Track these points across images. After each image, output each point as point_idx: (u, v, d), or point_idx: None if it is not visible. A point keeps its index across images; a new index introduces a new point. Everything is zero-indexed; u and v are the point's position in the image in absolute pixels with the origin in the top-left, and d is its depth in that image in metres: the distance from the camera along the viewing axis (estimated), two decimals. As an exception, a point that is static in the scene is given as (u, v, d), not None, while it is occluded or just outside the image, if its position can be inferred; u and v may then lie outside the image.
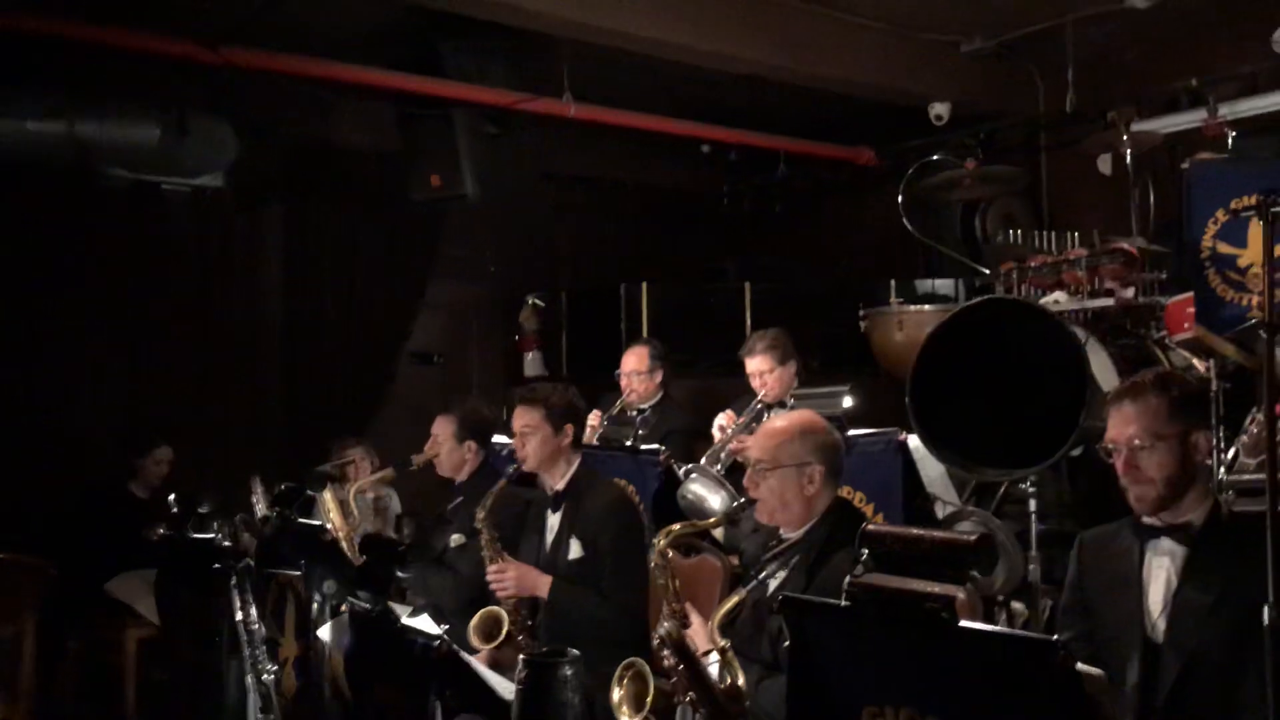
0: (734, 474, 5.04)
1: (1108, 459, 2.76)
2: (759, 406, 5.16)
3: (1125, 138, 5.79)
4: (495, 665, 3.50)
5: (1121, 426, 2.72)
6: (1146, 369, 2.82)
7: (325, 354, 7.62)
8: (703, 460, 5.15)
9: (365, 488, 5.19)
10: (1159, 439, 2.67)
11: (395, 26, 6.42)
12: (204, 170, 6.84)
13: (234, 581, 3.49)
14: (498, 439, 4.92)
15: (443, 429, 4.60)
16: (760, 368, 5.17)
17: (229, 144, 6.59)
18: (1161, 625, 2.64)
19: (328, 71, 6.40)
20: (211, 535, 3.74)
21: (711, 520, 3.53)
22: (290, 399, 7.54)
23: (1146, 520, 2.74)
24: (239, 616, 3.45)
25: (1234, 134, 5.51)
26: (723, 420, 5.23)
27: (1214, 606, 2.57)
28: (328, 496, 4.80)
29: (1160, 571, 2.69)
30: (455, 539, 4.38)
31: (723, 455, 5.09)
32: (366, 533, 4.55)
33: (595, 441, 5.50)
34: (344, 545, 4.30)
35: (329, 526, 4.48)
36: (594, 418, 5.52)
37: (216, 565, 3.51)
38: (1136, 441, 2.68)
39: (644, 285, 7.45)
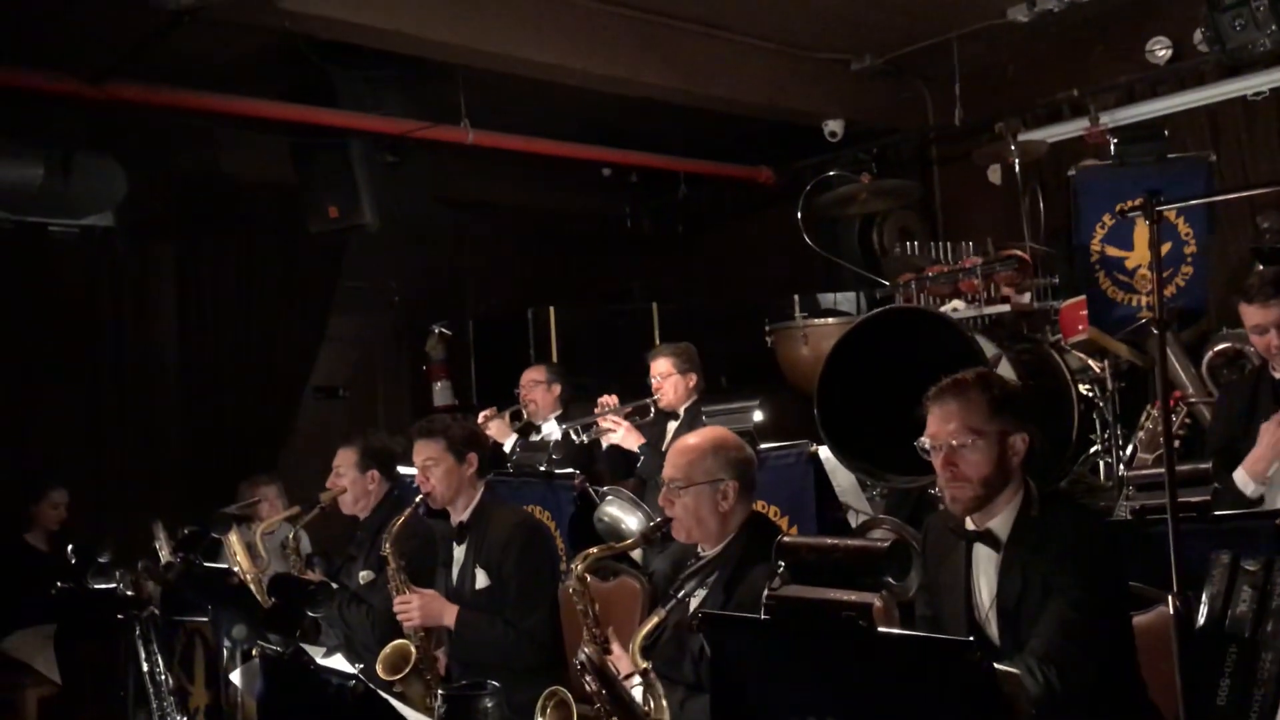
0: (592, 450, 5.48)
1: (925, 457, 2.77)
2: (648, 402, 5.33)
3: (1012, 148, 5.96)
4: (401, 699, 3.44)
5: (942, 422, 2.72)
6: (971, 369, 2.84)
7: (226, 392, 7.43)
8: (551, 421, 5.64)
9: (273, 528, 5.06)
10: (978, 436, 2.67)
11: (287, 57, 6.31)
12: (91, 210, 6.62)
13: (138, 631, 3.37)
14: (404, 470, 4.86)
15: (344, 459, 4.52)
16: (661, 370, 5.30)
17: (117, 182, 6.38)
18: (994, 629, 2.68)
19: (217, 104, 6.26)
20: (113, 585, 3.60)
21: (629, 541, 3.51)
22: (191, 440, 7.33)
23: (966, 524, 2.77)
24: (145, 667, 3.33)
25: (1115, 141, 5.70)
26: (606, 399, 5.44)
27: (1025, 607, 2.61)
28: (233, 538, 4.66)
29: (984, 577, 2.73)
30: (364, 575, 4.30)
31: (593, 427, 5.40)
32: (276, 573, 4.43)
33: (507, 450, 5.54)
34: (252, 588, 4.19)
35: (236, 569, 4.36)
36: (489, 411, 5.72)
37: (119, 616, 3.39)
38: (954, 441, 2.69)
39: (551, 309, 7.42)
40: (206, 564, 3.90)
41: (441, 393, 7.95)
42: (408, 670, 3.75)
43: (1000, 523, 2.72)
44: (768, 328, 6.38)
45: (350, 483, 4.49)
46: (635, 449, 5.32)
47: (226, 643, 3.31)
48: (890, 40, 7.36)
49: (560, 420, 5.76)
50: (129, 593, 3.53)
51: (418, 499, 3.99)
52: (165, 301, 7.38)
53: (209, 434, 7.35)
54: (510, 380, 6.12)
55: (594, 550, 3.19)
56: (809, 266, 7.68)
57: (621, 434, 5.33)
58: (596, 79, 6.72)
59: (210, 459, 7.24)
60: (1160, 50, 6.68)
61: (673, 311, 7.73)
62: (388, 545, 3.90)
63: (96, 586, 3.78)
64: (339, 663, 2.95)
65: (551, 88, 6.74)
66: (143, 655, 3.33)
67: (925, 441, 2.77)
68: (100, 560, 3.96)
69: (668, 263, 9.36)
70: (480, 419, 5.66)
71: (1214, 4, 5.20)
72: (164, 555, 4.16)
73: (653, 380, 5.33)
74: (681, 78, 6.99)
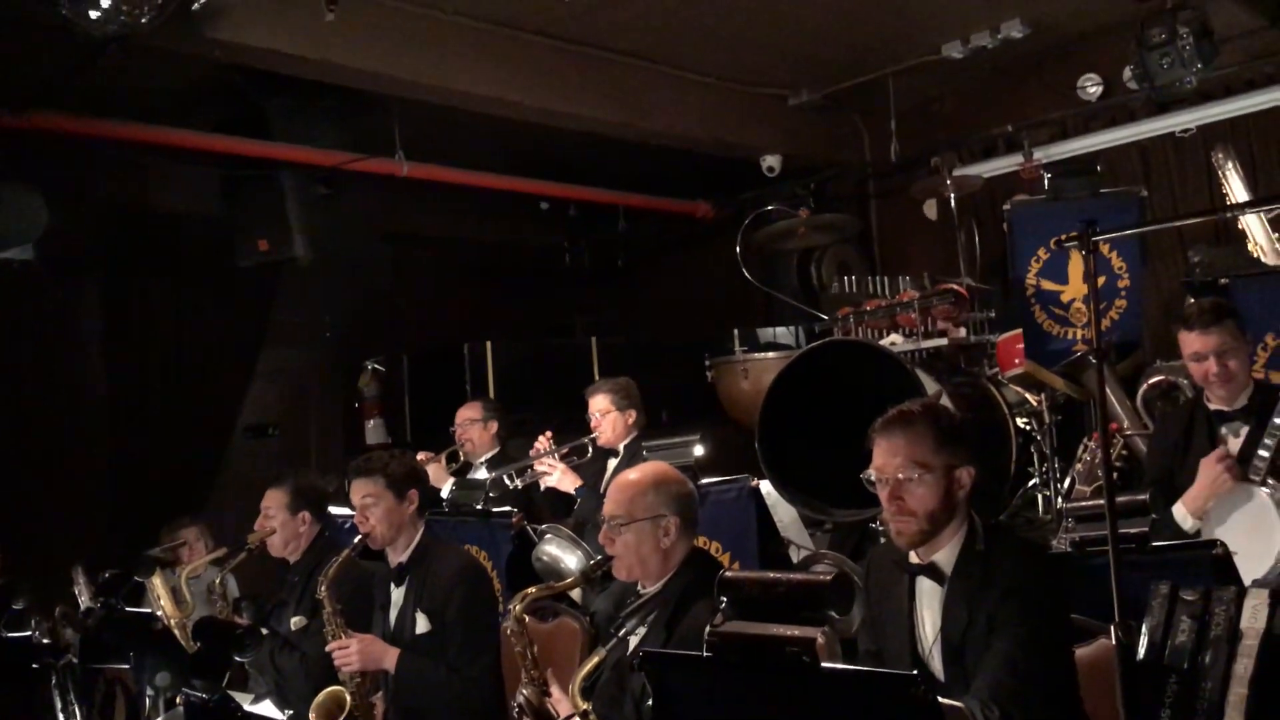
0: (530, 489, 5.38)
1: (871, 489, 2.78)
2: (585, 441, 5.30)
3: (948, 182, 6.07)
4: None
5: (888, 455, 2.73)
6: (917, 400, 2.87)
7: (152, 431, 7.27)
8: (481, 469, 5.56)
9: (198, 570, 4.95)
10: (925, 469, 2.68)
11: (217, 87, 6.25)
12: (12, 243, 6.46)
13: (55, 681, 3.26)
14: (335, 510, 4.78)
15: (274, 500, 4.42)
16: (599, 407, 5.27)
17: (39, 214, 6.24)
18: (937, 663, 2.69)
19: (144, 135, 6.18)
20: (28, 632, 3.49)
21: (568, 581, 3.47)
22: (116, 481, 7.16)
23: (911, 557, 2.77)
24: (61, 718, 3.22)
25: (1049, 176, 5.83)
26: (541, 441, 5.39)
27: (970, 642, 2.62)
28: (157, 582, 4.56)
29: (928, 611, 2.74)
30: (296, 621, 4.20)
31: (528, 472, 5.36)
32: (202, 618, 4.32)
33: (443, 495, 5.48)
34: (177, 633, 4.09)
35: (159, 614, 4.24)
36: (424, 455, 5.55)
37: (34, 664, 3.28)
38: (901, 474, 2.69)
39: (488, 344, 7.38)
40: (129, 609, 3.80)
41: (374, 430, 7.85)
42: (342, 718, 3.67)
43: (945, 556, 2.73)
44: (708, 362, 6.40)
45: (280, 524, 4.40)
46: (572, 491, 5.29)
47: (149, 691, 3.22)
48: (827, 75, 7.48)
49: (495, 462, 5.71)
50: (45, 640, 3.42)
51: (357, 539, 3.91)
52: (90, 338, 7.22)
53: (134, 474, 7.18)
54: (446, 418, 6.06)
55: (533, 590, 3.16)
56: (748, 301, 7.74)
57: (557, 476, 5.30)
58: (534, 111, 6.73)
59: (135, 500, 7.06)
60: (1092, 87, 6.86)
61: (612, 346, 7.72)
62: (324, 588, 3.82)
63: (10, 635, 3.66)
64: (268, 709, 2.88)
65: (488, 120, 6.74)
66: (59, 705, 3.22)
67: (871, 474, 2.77)
68: (15, 607, 3.84)
69: (607, 297, 9.37)
70: None
71: (1142, 42, 5.35)
72: (84, 600, 4.05)
73: (591, 417, 5.31)
74: (620, 111, 7.04)
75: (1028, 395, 5.43)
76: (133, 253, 7.22)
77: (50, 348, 7.03)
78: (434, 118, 6.62)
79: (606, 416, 5.25)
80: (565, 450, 5.39)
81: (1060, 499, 4.97)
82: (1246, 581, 2.90)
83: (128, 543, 6.04)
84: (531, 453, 5.43)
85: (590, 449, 5.35)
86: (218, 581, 4.58)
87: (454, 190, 7.53)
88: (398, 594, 3.91)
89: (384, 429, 7.85)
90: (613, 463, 5.26)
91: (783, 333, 7.33)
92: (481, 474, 5.68)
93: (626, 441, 5.25)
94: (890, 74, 7.22)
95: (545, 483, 5.37)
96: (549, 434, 5.45)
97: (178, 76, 6.10)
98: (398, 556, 3.93)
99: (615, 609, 3.25)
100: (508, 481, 5.41)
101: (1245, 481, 3.51)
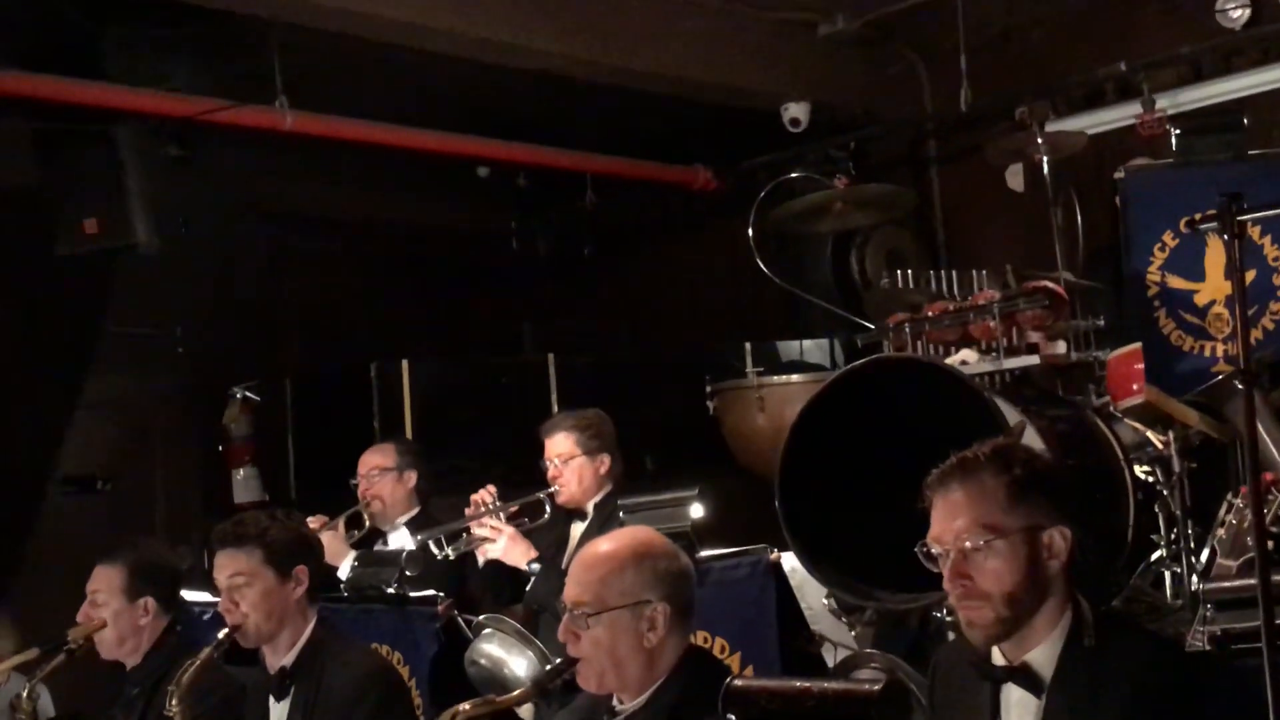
0: (463, 563, 5.41)
1: (930, 565, 2.79)
2: (541, 496, 5.32)
3: (1040, 141, 6.09)
4: None
5: (947, 519, 2.74)
6: (985, 442, 2.87)
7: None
8: (396, 536, 5.60)
9: (-1, 680, 4.92)
10: (997, 534, 2.69)
11: (31, 10, 6.24)
12: None
13: None
14: (192, 595, 4.75)
15: (105, 581, 4.42)
16: (560, 450, 5.29)
17: None
18: None
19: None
20: None
21: (516, 694, 3.46)
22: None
23: (993, 657, 2.78)
24: None
25: (1177, 132, 5.85)
26: (481, 495, 5.42)
27: None
28: (-60, 698, 4.53)
29: None
30: (135, 749, 4.20)
31: (462, 538, 5.36)
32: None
33: (344, 575, 5.48)
34: (-33, 768, 4.07)
35: (-57, 742, 4.23)
36: (316, 521, 5.53)
37: None
38: (967, 541, 2.70)
39: (404, 364, 7.38)
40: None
41: (245, 484, 7.84)
42: None
43: (1041, 655, 2.73)
44: (710, 389, 6.41)
45: (114, 615, 4.40)
46: (524, 566, 5.29)
47: None
48: (872, -5, 7.53)
49: (415, 526, 5.70)
50: None
51: (221, 634, 3.92)
52: None
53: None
54: (346, 466, 6.05)
55: (465, 706, 3.15)
56: (764, 303, 7.74)
57: (503, 544, 5.30)
58: (470, 43, 6.77)
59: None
60: (1235, 10, 6.89)
61: (577, 366, 7.74)
62: (175, 704, 3.81)
63: None
64: None
65: (408, 56, 6.76)
66: None
67: (930, 545, 2.78)
68: None
69: (570, 298, 9.39)
70: None
71: (1306, -52, 5.39)
72: None
73: (548, 465, 5.31)
74: (588, 43, 7.07)
75: (1150, 434, 5.44)
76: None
77: None
78: (330, 51, 6.63)
79: (570, 463, 5.26)
80: (514, 508, 5.38)
81: (1196, 577, 4.97)
82: None
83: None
84: (467, 512, 5.42)
85: (548, 508, 5.35)
86: (25, 695, 4.57)
87: (357, 152, 7.54)
88: (279, 711, 3.92)
89: (258, 481, 7.84)
90: (578, 528, 5.27)
91: (812, 347, 7.34)
92: (400, 536, 5.67)
93: (597, 499, 5.26)
94: (959, -8, 7.28)
95: (485, 554, 5.37)
96: (491, 488, 5.44)
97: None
98: (279, 658, 3.94)
99: (581, 733, 3.25)
100: (435, 550, 5.40)
101: None
